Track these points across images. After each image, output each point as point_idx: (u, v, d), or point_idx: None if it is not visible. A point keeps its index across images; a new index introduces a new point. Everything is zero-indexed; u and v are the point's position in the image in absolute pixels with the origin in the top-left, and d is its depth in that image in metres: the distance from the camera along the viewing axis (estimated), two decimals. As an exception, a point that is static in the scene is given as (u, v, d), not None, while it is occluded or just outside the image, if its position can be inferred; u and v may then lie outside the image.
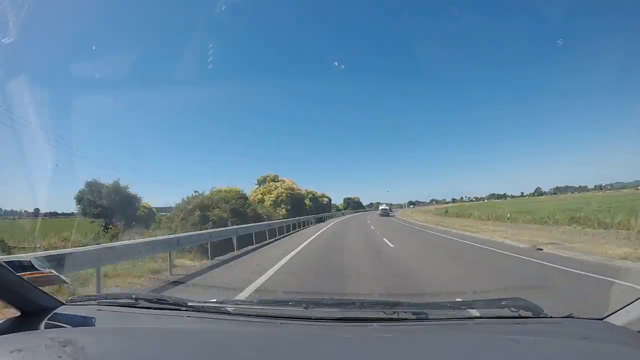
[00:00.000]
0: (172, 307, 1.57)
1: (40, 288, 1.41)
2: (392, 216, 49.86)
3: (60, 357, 1.02)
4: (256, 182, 42.37)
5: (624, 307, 1.34)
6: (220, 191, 22.95)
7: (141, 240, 8.66)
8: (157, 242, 8.40)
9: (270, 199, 37.29)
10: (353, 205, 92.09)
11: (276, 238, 17.96)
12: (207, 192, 21.69)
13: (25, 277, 1.32)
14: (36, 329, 1.27)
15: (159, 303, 1.59)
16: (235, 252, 12.04)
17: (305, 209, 41.80)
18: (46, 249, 11.83)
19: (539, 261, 8.92)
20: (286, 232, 21.30)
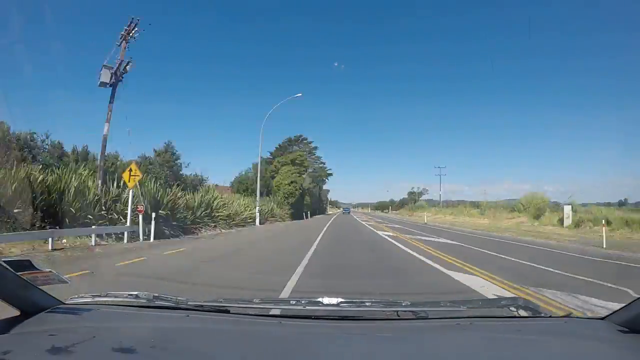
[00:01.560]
0: (172, 306, 1.57)
1: (40, 287, 1.40)
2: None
3: (59, 356, 1.02)
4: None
5: (624, 307, 1.33)
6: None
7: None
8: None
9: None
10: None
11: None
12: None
13: (24, 277, 1.32)
14: (35, 328, 1.27)
15: (159, 302, 1.59)
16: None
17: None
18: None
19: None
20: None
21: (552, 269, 8.59)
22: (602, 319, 1.37)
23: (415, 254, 11.07)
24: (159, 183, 19.39)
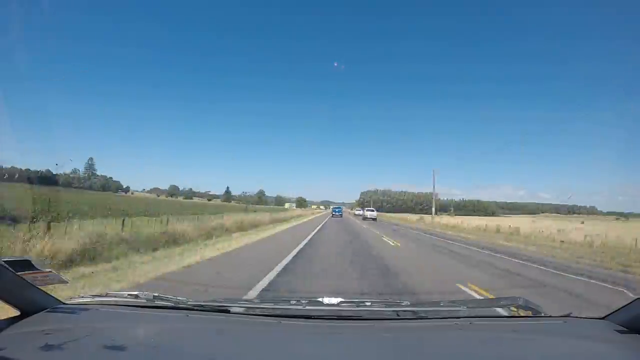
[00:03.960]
0: (172, 306, 1.56)
1: (40, 287, 1.40)
2: None
3: (52, 353, 1.02)
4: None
5: (624, 307, 1.34)
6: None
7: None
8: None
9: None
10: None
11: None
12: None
13: (24, 277, 1.32)
14: (33, 328, 1.27)
15: (159, 302, 1.59)
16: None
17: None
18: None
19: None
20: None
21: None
22: (602, 318, 1.38)
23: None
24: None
